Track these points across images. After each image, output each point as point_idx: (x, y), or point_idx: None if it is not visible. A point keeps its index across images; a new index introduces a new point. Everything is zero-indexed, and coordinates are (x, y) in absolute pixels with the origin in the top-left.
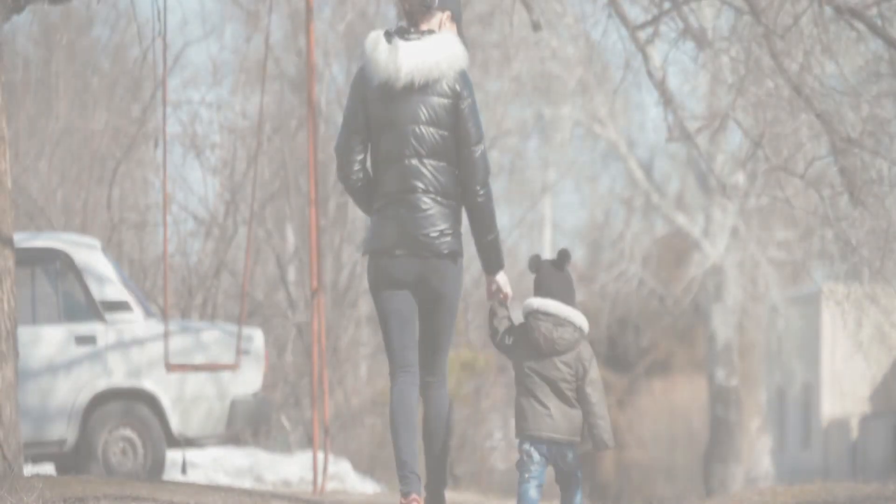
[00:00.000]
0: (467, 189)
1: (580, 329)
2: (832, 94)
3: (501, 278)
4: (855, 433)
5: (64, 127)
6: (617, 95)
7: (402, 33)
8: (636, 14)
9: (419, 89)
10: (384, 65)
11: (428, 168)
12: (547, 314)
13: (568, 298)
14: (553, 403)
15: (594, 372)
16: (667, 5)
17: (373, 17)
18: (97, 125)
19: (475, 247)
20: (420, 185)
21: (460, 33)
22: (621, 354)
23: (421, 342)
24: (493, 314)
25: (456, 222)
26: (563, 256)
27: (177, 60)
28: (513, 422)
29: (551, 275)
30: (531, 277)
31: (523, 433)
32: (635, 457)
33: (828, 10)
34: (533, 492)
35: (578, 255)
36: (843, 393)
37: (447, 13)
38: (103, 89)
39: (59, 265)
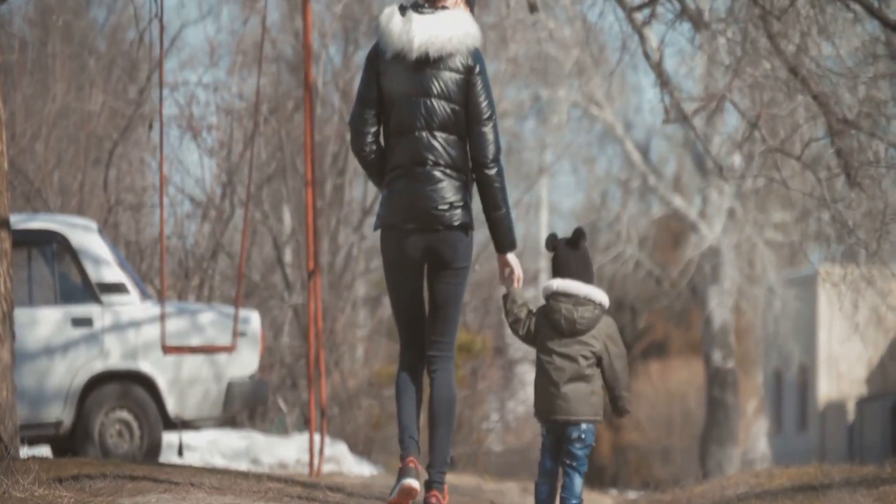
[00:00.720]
0: (477, 164)
1: (601, 305)
2: (829, 75)
3: (513, 259)
4: (851, 415)
5: (60, 108)
6: (614, 77)
7: (417, 7)
8: None
9: (432, 63)
10: (398, 37)
11: (438, 141)
12: (567, 295)
13: (586, 276)
14: (569, 386)
15: (620, 346)
16: None
17: None
18: (94, 107)
19: (487, 224)
20: (430, 157)
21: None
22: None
23: (430, 315)
24: (509, 300)
25: (466, 195)
26: (579, 235)
27: (173, 42)
28: (509, 403)
29: (568, 254)
30: (531, 259)
31: (537, 415)
32: (632, 439)
33: None
34: (549, 463)
35: None
36: (840, 375)
37: None
38: (100, 71)
39: (56, 247)
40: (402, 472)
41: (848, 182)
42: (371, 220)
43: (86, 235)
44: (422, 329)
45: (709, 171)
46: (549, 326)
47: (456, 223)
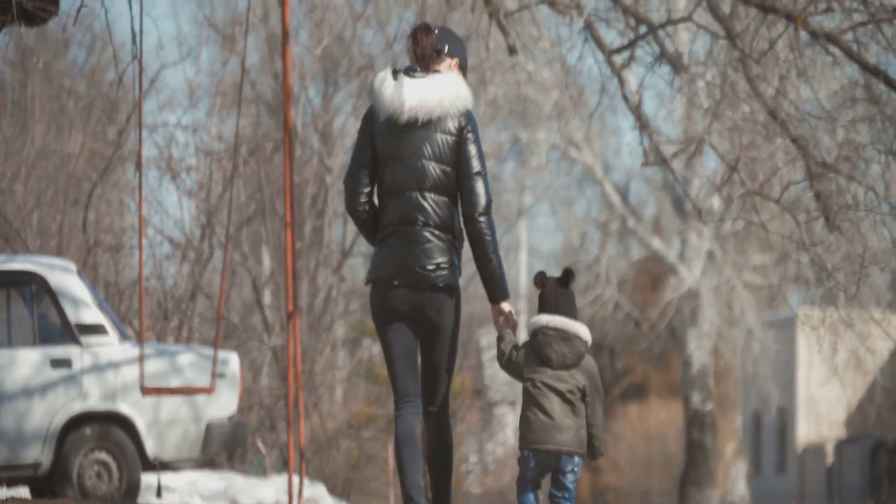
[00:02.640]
0: (467, 217)
1: (586, 342)
2: (808, 118)
3: (506, 307)
4: (830, 457)
5: (40, 149)
6: (593, 119)
7: (409, 72)
8: (612, 38)
9: (423, 125)
10: (389, 100)
11: (429, 202)
12: (556, 329)
13: (573, 313)
14: (560, 416)
15: (600, 387)
16: (643, 30)
17: (349, 40)
18: (73, 148)
19: (479, 276)
20: (420, 217)
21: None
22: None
23: (423, 373)
24: (499, 339)
25: (454, 256)
26: (568, 275)
27: (153, 83)
28: (488, 445)
29: (557, 291)
30: (510, 300)
31: (529, 445)
32: (611, 480)
33: (803, 35)
34: (531, 497)
35: None
36: (819, 418)
37: (456, 60)
38: (79, 112)
39: (35, 288)
40: None
41: (827, 225)
42: (350, 262)
43: (65, 276)
44: (414, 384)
45: (688, 214)
46: (537, 359)
47: (440, 284)
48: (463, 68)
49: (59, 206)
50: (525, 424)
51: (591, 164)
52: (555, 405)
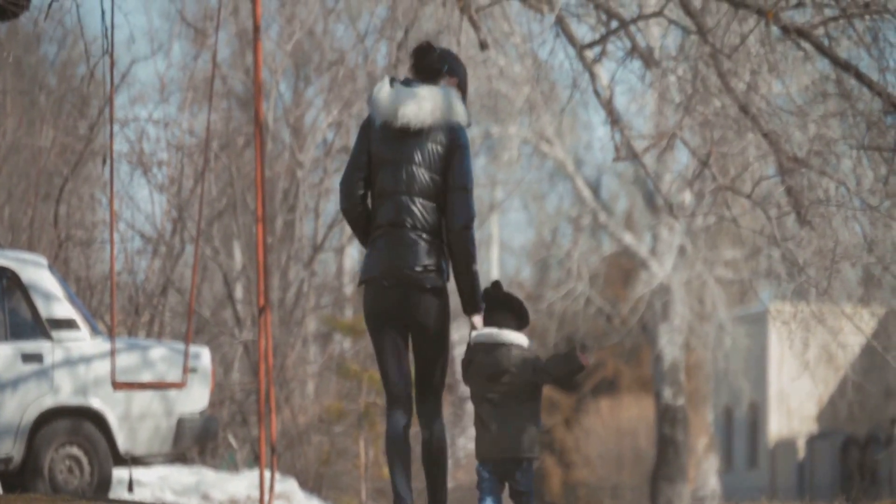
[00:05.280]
0: (448, 229)
1: (517, 346)
2: (779, 113)
3: (477, 320)
4: (802, 452)
5: (11, 144)
6: (564, 114)
7: (406, 82)
8: (583, 33)
9: (415, 133)
10: (384, 107)
11: (417, 206)
12: (481, 343)
13: (504, 322)
14: (497, 424)
15: (538, 363)
16: (614, 25)
17: (320, 35)
18: (44, 142)
19: (456, 286)
20: (409, 220)
21: (464, 103)
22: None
23: (415, 373)
24: (467, 350)
25: (441, 259)
26: (495, 287)
27: (124, 78)
28: (459, 440)
29: (488, 305)
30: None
31: (478, 458)
32: (582, 476)
33: (775, 30)
34: (490, 500)
35: (525, 274)
36: (790, 412)
37: (455, 79)
38: (50, 106)
39: (6, 283)
40: None
41: (798, 220)
42: (321, 256)
43: (36, 271)
44: (405, 386)
45: (659, 209)
46: (474, 373)
47: (428, 286)
48: (462, 88)
49: (31, 201)
50: (476, 438)
51: (562, 159)
52: (491, 415)
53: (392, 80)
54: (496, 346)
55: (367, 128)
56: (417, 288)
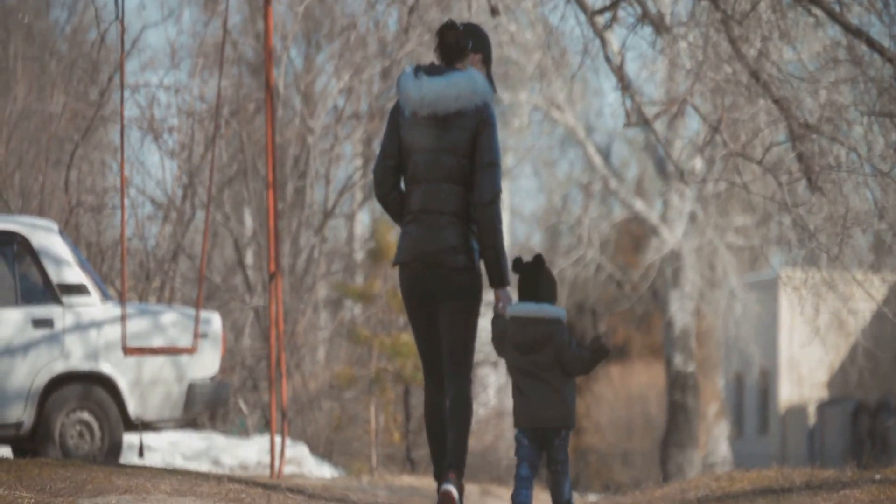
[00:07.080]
0: (474, 205)
1: (553, 321)
2: (790, 79)
3: (504, 295)
4: (812, 419)
5: (21, 110)
6: (575, 81)
7: (429, 70)
8: None
9: (441, 120)
10: (411, 98)
11: (444, 191)
12: (519, 317)
13: (540, 296)
14: (537, 395)
15: (572, 345)
16: None
17: (331, 1)
18: (55, 108)
19: (482, 259)
20: (438, 206)
21: (490, 75)
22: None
23: (445, 351)
24: (493, 322)
25: (469, 240)
26: (538, 261)
27: (134, 44)
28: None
29: (522, 279)
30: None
31: (516, 426)
32: (593, 442)
33: None
34: (525, 470)
35: (536, 241)
36: (801, 379)
37: (479, 55)
38: (61, 72)
39: (17, 248)
40: (441, 481)
41: (809, 186)
42: (332, 222)
43: (47, 236)
44: (439, 361)
45: (670, 175)
46: (511, 346)
47: (459, 265)
48: (487, 62)
49: (41, 167)
50: (514, 406)
51: (573, 126)
52: (530, 387)
53: (417, 70)
54: (534, 321)
55: (395, 115)
56: (447, 269)
